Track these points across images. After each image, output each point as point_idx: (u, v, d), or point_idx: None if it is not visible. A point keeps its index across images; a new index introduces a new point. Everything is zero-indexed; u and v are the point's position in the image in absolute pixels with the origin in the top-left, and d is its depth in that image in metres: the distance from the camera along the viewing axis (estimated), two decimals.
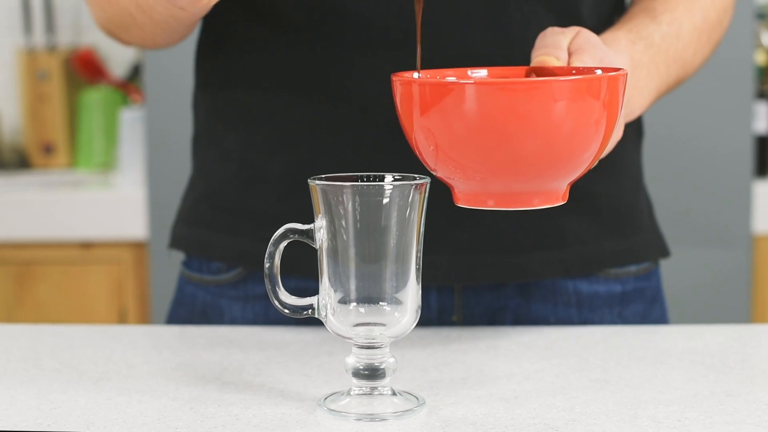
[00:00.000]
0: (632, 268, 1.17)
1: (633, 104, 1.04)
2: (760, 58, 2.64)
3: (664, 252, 1.20)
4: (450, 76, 0.95)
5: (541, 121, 0.84)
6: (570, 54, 0.96)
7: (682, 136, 2.32)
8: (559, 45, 0.96)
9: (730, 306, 2.36)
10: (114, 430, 0.86)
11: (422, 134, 0.88)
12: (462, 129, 0.85)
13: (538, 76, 0.94)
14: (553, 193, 0.89)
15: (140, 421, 0.88)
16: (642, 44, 1.06)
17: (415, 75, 0.92)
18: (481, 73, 0.97)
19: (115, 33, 1.15)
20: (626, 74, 0.89)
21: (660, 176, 2.10)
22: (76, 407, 0.91)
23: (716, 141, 2.32)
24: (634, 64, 1.04)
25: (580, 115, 0.85)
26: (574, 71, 0.93)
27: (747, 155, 2.34)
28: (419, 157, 0.91)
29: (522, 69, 0.97)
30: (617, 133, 0.98)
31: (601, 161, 1.13)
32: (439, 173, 0.90)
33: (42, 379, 0.98)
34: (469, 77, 0.96)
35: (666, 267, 1.23)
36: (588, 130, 0.86)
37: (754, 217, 2.37)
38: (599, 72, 0.91)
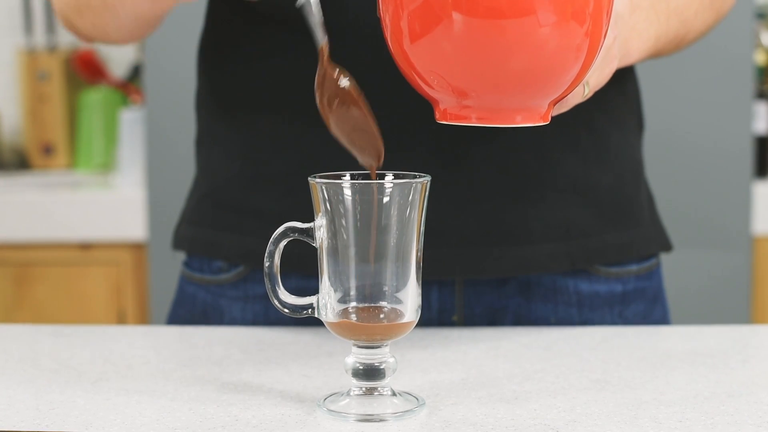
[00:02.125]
0: (633, 268, 1.17)
1: (630, 46, 1.04)
2: (760, 58, 2.64)
3: (666, 245, 1.20)
4: None
5: (525, 36, 0.85)
6: None
7: (682, 136, 2.31)
8: None
9: (730, 306, 2.36)
10: (112, 431, 0.86)
11: (409, 51, 0.88)
12: (448, 43, 0.86)
13: None
14: (535, 111, 0.90)
15: (139, 421, 0.88)
16: None
17: None
18: None
19: (71, 20, 1.14)
20: None
21: (660, 176, 2.09)
22: (75, 408, 0.91)
23: (716, 141, 2.32)
24: (633, 5, 1.04)
25: (564, 30, 0.86)
26: None
27: (747, 155, 2.34)
28: (404, 74, 0.91)
29: None
30: (610, 66, 0.98)
31: (603, 153, 1.13)
32: (424, 89, 0.90)
33: (40, 379, 0.98)
34: None
35: (666, 267, 1.23)
36: (570, 47, 0.87)
37: (753, 217, 2.37)
38: None
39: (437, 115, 0.92)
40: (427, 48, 0.87)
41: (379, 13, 0.91)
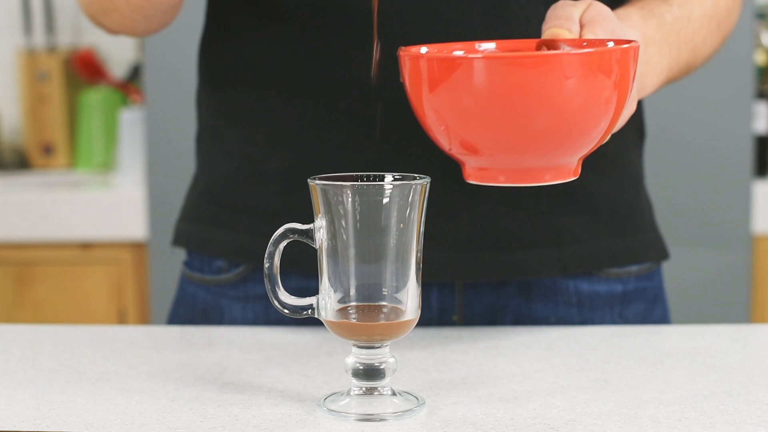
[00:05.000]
0: (633, 268, 1.17)
1: (645, 81, 1.04)
2: (760, 58, 2.64)
3: (664, 253, 1.20)
4: (458, 50, 0.94)
5: (552, 95, 0.82)
6: (582, 26, 0.95)
7: (682, 135, 2.31)
8: (570, 17, 0.94)
9: (730, 306, 2.36)
10: (113, 431, 0.86)
11: (431, 110, 0.86)
12: (471, 103, 0.83)
13: (549, 48, 0.93)
14: (564, 168, 0.88)
15: (139, 421, 0.88)
16: (654, 22, 1.06)
17: (423, 50, 0.90)
18: (490, 46, 0.96)
19: (97, 18, 1.15)
20: (638, 46, 0.87)
21: (660, 176, 2.10)
22: (75, 408, 0.91)
23: (716, 141, 2.32)
24: (646, 40, 1.03)
25: (591, 87, 0.83)
26: (585, 43, 0.92)
27: (747, 155, 2.34)
28: (428, 134, 0.90)
29: (532, 42, 0.95)
30: (630, 107, 0.97)
31: (600, 160, 1.13)
32: (450, 150, 0.89)
33: (41, 379, 0.98)
34: (478, 51, 0.95)
35: (665, 267, 1.23)
36: (599, 103, 0.84)
37: (753, 217, 2.37)
38: (611, 44, 0.89)
39: (464, 174, 0.90)
40: (446, 100, 0.84)
41: (402, 79, 0.89)
